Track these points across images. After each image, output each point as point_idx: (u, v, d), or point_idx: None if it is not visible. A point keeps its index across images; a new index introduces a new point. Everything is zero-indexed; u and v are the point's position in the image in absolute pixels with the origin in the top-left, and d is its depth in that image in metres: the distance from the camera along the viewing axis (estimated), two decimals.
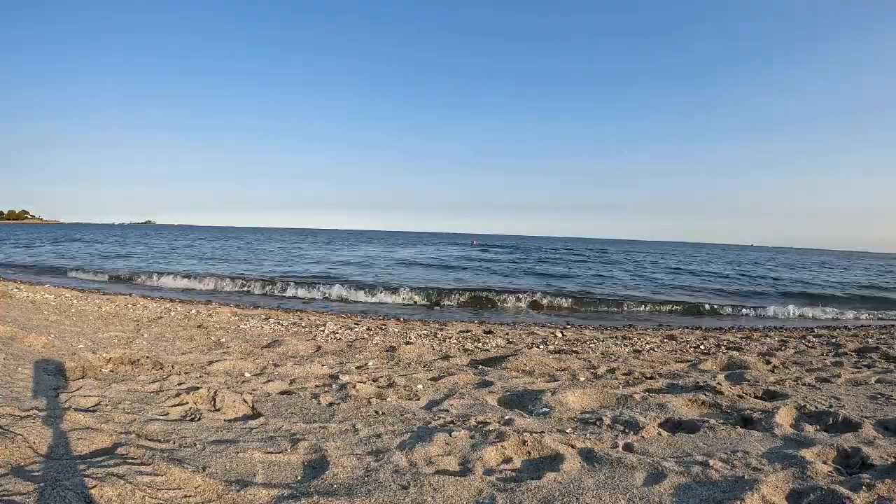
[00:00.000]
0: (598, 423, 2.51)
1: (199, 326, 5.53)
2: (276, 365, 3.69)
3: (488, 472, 1.91)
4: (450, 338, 5.44)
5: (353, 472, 1.85)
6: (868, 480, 1.74)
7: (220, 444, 2.05)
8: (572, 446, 2.15)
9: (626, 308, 10.45)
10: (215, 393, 2.75)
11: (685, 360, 4.42)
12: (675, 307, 10.62)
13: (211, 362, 3.63)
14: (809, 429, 2.46)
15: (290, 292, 11.31)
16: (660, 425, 2.50)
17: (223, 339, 4.75)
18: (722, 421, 2.54)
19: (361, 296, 10.91)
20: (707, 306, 10.73)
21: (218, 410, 2.58)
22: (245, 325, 5.82)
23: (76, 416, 2.20)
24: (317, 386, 3.14)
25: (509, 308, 10.24)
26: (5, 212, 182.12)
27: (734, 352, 4.84)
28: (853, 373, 3.85)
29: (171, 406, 2.55)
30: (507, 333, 5.99)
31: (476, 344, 5.11)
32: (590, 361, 4.26)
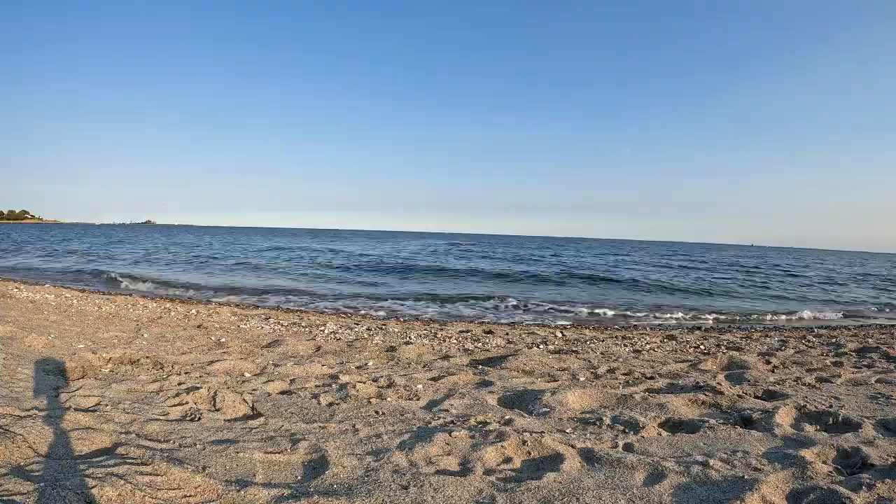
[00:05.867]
0: (598, 423, 2.51)
1: (198, 326, 5.53)
2: (276, 365, 3.69)
3: (488, 472, 1.91)
4: (450, 338, 5.44)
5: (353, 471, 1.85)
6: (868, 480, 1.74)
7: (220, 444, 2.05)
8: (572, 446, 2.15)
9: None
10: (215, 393, 2.75)
11: (685, 360, 4.42)
12: None
13: (211, 362, 3.63)
14: (809, 429, 2.46)
15: None
16: (660, 425, 2.50)
17: (223, 339, 4.75)
18: (722, 421, 2.54)
19: None
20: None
21: (218, 410, 2.58)
22: (245, 325, 5.82)
23: (76, 416, 2.20)
24: (317, 386, 3.14)
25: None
26: (5, 212, 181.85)
27: (734, 352, 4.84)
28: (853, 373, 3.85)
29: (171, 406, 2.54)
30: (507, 333, 5.99)
31: (476, 344, 5.11)
32: (590, 361, 4.26)
